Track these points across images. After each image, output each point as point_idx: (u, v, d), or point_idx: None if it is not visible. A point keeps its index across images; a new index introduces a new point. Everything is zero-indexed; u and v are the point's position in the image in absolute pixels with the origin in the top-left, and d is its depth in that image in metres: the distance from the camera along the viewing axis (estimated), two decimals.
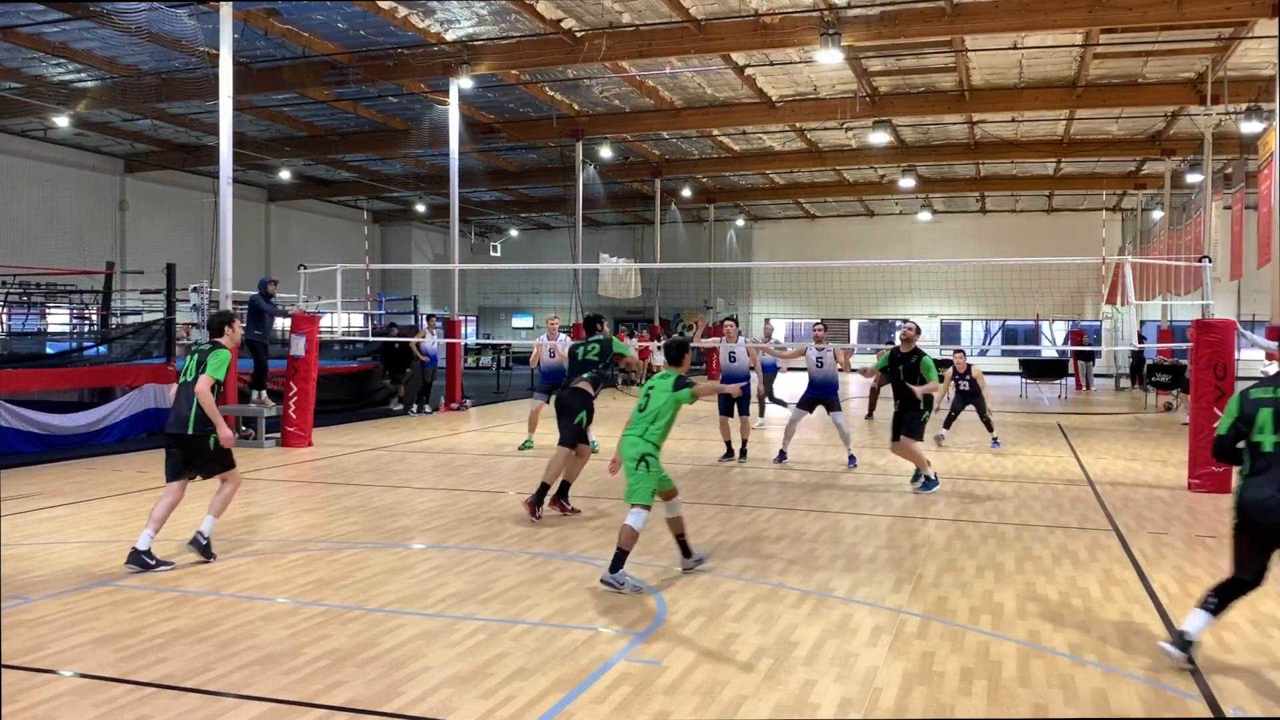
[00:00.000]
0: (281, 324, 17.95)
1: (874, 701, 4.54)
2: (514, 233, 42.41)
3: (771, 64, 19.82)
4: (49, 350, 16.99)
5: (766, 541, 7.85)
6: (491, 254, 40.17)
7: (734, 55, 18.87)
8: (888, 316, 36.16)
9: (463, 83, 18.97)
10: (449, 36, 17.94)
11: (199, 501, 8.12)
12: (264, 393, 14.18)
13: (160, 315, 15.93)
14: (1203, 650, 5.26)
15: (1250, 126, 18.96)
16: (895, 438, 10.19)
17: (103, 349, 16.50)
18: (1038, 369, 25.91)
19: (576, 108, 23.32)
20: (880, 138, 23.98)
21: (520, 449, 13.39)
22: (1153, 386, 21.47)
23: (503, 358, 29.72)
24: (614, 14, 16.76)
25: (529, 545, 7.65)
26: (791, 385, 15.02)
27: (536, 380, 14.74)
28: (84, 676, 4.76)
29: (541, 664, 4.96)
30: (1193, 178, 24.01)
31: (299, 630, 5.46)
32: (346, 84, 19.54)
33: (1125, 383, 27.89)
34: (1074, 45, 18.22)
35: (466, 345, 30.75)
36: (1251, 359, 16.05)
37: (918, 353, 10.06)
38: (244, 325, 15.10)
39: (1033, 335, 36.68)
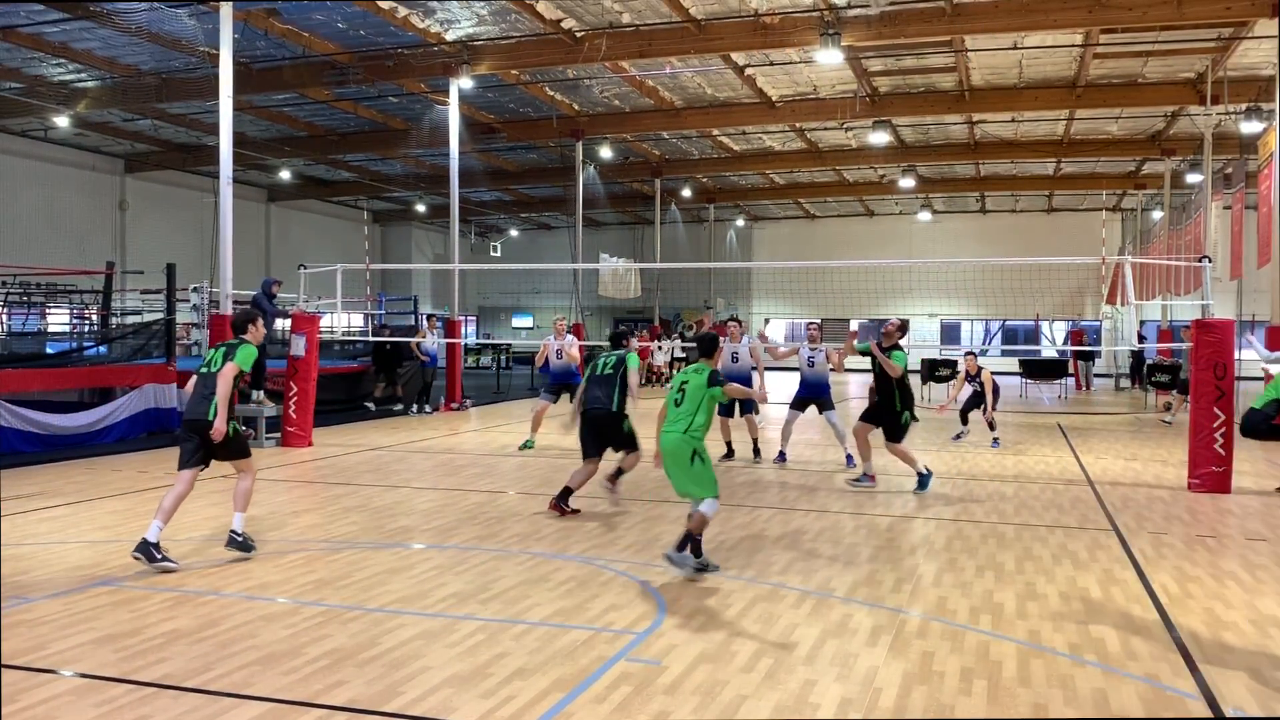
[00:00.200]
0: (281, 324, 17.95)
1: (874, 701, 4.54)
2: (514, 233, 42.42)
3: (771, 64, 19.82)
4: (49, 350, 16.98)
5: (766, 541, 7.85)
6: (491, 254, 40.18)
7: (734, 55, 18.87)
8: (888, 316, 36.08)
9: (463, 83, 18.97)
10: (449, 36, 17.95)
11: (201, 501, 8.16)
12: (263, 392, 14.19)
13: (160, 315, 15.93)
14: (1203, 650, 5.27)
15: (1250, 126, 18.96)
16: (889, 438, 10.21)
17: (103, 349, 16.49)
18: (1038, 369, 25.91)
19: (576, 108, 23.32)
20: (880, 138, 23.99)
21: (521, 449, 13.39)
22: (1153, 386, 21.48)
23: (503, 358, 29.72)
24: (614, 14, 16.76)
25: (529, 545, 7.65)
26: (782, 386, 15.03)
27: (544, 380, 14.74)
28: (84, 676, 4.76)
29: (541, 664, 4.96)
30: (1193, 178, 24.02)
31: (299, 630, 5.46)
32: (346, 84, 19.54)
33: (1125, 383, 27.89)
34: (1074, 45, 18.23)
35: (466, 345, 30.77)
36: (1251, 359, 16.00)
37: (896, 346, 10.13)
38: None
39: (1033, 335, 36.69)
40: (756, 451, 12.53)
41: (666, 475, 6.90)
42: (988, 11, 15.81)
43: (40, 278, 22.45)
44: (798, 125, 24.59)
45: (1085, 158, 27.52)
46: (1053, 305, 31.99)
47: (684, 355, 28.22)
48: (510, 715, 4.34)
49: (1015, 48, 18.36)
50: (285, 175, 30.70)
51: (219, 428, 6.82)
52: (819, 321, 13.77)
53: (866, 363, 10.35)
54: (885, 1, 15.78)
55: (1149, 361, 22.44)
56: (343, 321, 27.75)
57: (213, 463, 7.14)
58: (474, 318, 43.22)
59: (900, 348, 10.08)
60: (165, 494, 6.99)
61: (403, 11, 16.72)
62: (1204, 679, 4.85)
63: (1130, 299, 12.72)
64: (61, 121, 22.88)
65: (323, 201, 36.45)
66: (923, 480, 10.21)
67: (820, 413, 12.06)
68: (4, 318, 21.12)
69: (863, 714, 4.41)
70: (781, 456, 12.31)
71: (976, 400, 14.78)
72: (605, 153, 26.48)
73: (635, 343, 10.31)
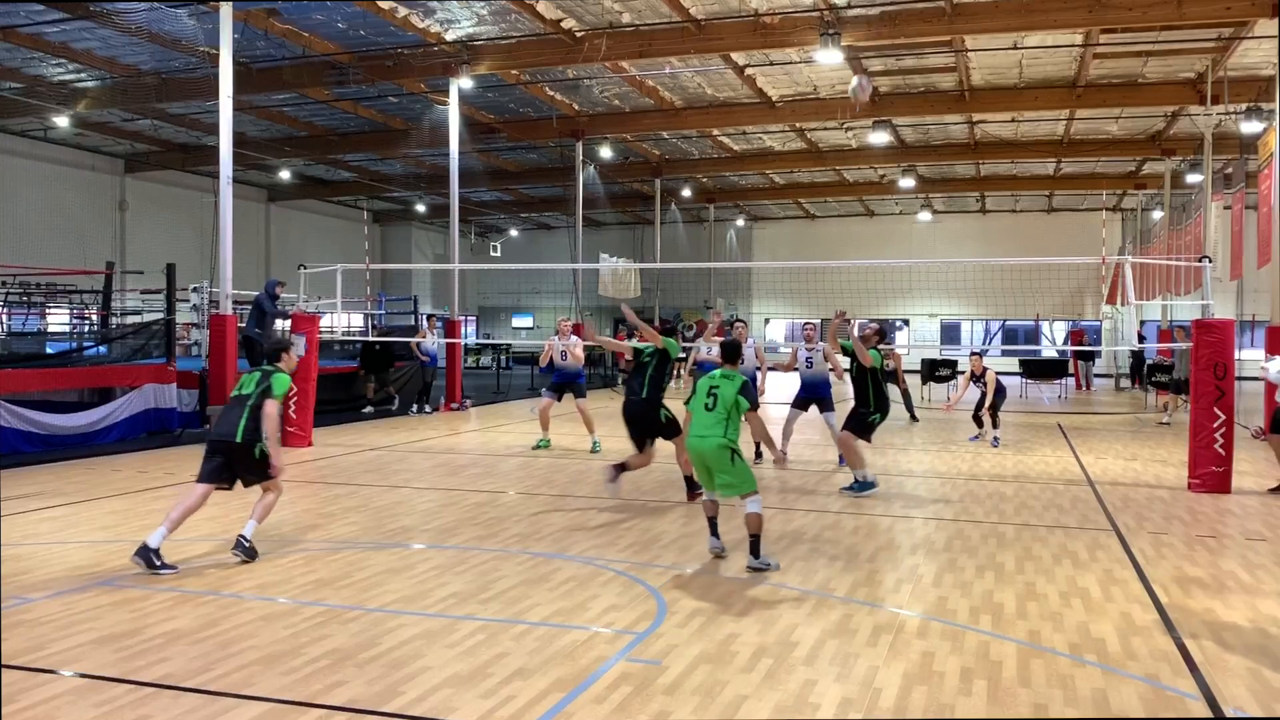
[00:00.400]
0: (281, 324, 17.96)
1: (874, 701, 4.54)
2: (514, 233, 42.41)
3: (771, 64, 19.82)
4: (49, 350, 16.98)
5: (767, 541, 7.81)
6: (491, 254, 40.16)
7: (734, 55, 18.87)
8: (888, 316, 36.14)
9: (463, 83, 18.97)
10: (449, 36, 17.94)
11: (211, 510, 8.10)
12: None
13: (160, 315, 15.93)
14: (1202, 650, 5.27)
15: (1250, 126, 18.94)
16: (844, 426, 10.29)
17: (103, 349, 16.49)
18: (1038, 369, 25.90)
19: (576, 108, 23.32)
20: (880, 138, 23.99)
21: (535, 448, 13.39)
22: (1153, 386, 21.48)
23: (503, 358, 29.71)
24: (614, 14, 16.76)
25: (529, 545, 7.65)
26: (782, 386, 15.06)
27: (545, 380, 14.75)
28: (84, 676, 4.76)
29: (541, 664, 4.96)
30: (1193, 178, 23.99)
31: (299, 630, 5.46)
32: (346, 84, 19.53)
33: (1125, 383, 27.89)
34: (1074, 45, 18.22)
35: (466, 345, 30.76)
36: (1251, 359, 16.01)
37: (874, 349, 10.21)
38: (245, 323, 15.16)
39: (1033, 335, 36.68)
40: (759, 453, 12.55)
41: (700, 478, 7.22)
42: (988, 11, 15.80)
43: (40, 278, 22.44)
44: (798, 125, 24.59)
45: (1085, 158, 27.50)
46: (1053, 305, 31.97)
47: (683, 355, 28.19)
48: (510, 715, 4.34)
49: (1015, 48, 18.35)
50: (285, 175, 30.69)
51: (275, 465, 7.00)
52: (815, 322, 13.83)
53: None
54: None
55: (1149, 361, 22.44)
56: (343, 321, 27.76)
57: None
58: (474, 318, 43.22)
59: (877, 350, 10.23)
60: (174, 503, 6.98)
61: (403, 11, 16.71)
62: (1204, 679, 4.85)
63: (1130, 299, 12.71)
64: (61, 121, 22.88)
65: (323, 201, 36.45)
66: (861, 486, 10.13)
67: (820, 412, 12.07)
68: (4, 318, 21.12)
69: (863, 714, 4.41)
70: (782, 454, 12.30)
71: (984, 400, 14.83)
72: (605, 153, 26.47)
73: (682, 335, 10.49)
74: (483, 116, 23.69)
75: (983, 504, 9.72)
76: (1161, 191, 26.84)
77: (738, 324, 13.38)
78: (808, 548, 7.65)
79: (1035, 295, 28.94)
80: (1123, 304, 25.43)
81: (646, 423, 9.19)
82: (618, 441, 14.30)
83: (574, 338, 13.70)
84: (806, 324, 12.79)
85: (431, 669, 4.87)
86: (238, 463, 7.01)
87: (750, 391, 7.07)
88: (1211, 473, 10.37)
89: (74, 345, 18.39)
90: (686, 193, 33.49)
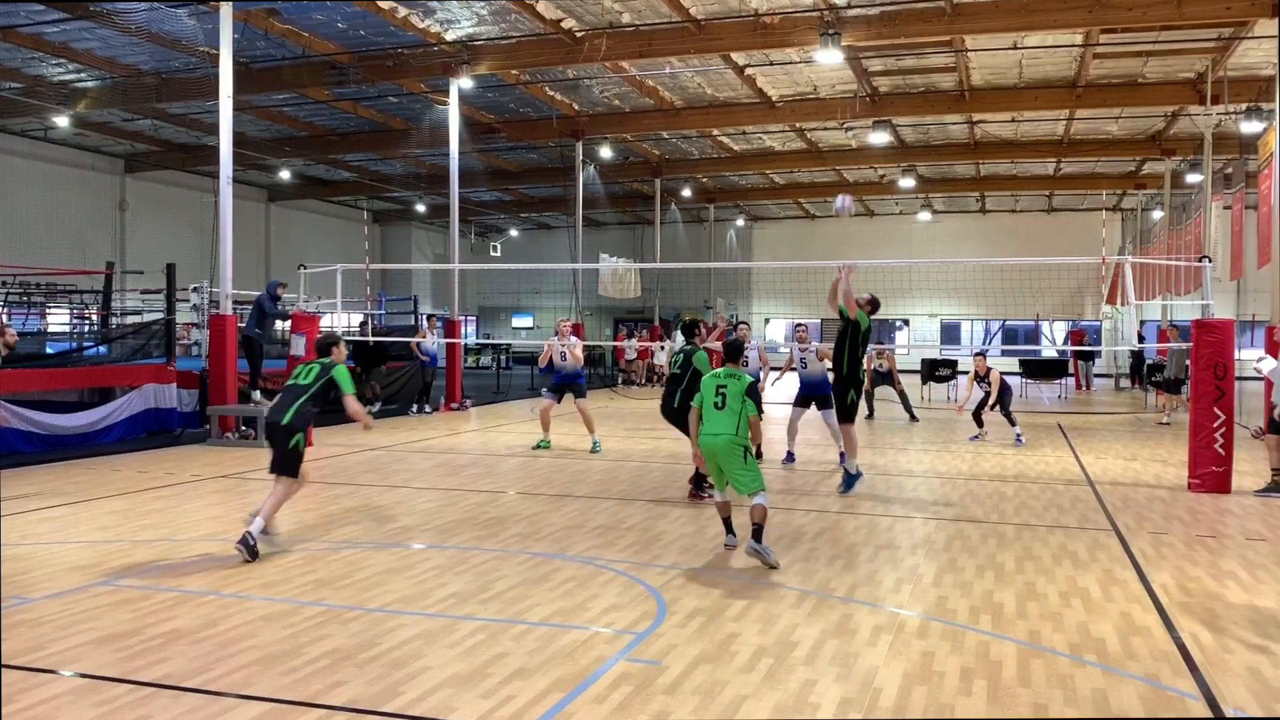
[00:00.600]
0: (281, 325, 17.97)
1: (874, 701, 4.54)
2: (514, 233, 42.41)
3: (771, 64, 19.82)
4: (49, 350, 16.98)
5: (767, 541, 7.83)
6: (491, 254, 40.16)
7: (734, 55, 18.86)
8: (888, 316, 36.14)
9: (463, 83, 18.97)
10: (449, 36, 17.94)
11: (201, 502, 8.17)
12: (259, 392, 14.19)
13: (160, 315, 15.93)
14: (1202, 650, 5.27)
15: (1250, 126, 18.94)
16: (839, 420, 10.42)
17: (103, 349, 16.50)
18: (1038, 369, 25.92)
19: (576, 108, 23.32)
20: (880, 138, 23.98)
21: (535, 449, 13.38)
22: (1153, 386, 21.49)
23: (503, 358, 29.70)
24: (614, 14, 16.76)
25: (529, 545, 7.65)
26: (782, 387, 15.09)
27: (545, 380, 14.76)
28: (84, 676, 4.76)
29: (541, 664, 4.96)
30: (1193, 178, 24.00)
31: (299, 630, 5.46)
32: (346, 84, 19.53)
33: (1125, 383, 27.90)
34: (1074, 45, 18.22)
35: (466, 345, 30.76)
36: (1251, 359, 16.01)
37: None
38: (245, 323, 15.16)
39: (1033, 335, 36.68)
40: (759, 454, 12.58)
41: (712, 474, 7.39)
42: (988, 11, 15.80)
43: (40, 278, 22.44)
44: (798, 125, 24.58)
45: (1085, 158, 27.50)
46: (1053, 305, 31.96)
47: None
48: (510, 715, 4.34)
49: (1015, 48, 18.35)
50: (285, 175, 30.68)
51: (355, 409, 7.52)
52: (805, 324, 13.96)
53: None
54: None
55: (1149, 361, 22.44)
56: (343, 321, 27.74)
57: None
58: (474, 318, 43.22)
59: (865, 314, 10.39)
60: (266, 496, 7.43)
61: (403, 11, 16.71)
62: (1204, 679, 4.85)
63: (1130, 299, 12.72)
64: (61, 121, 22.88)
65: (323, 201, 36.44)
66: (848, 481, 10.26)
67: (819, 410, 12.12)
68: (4, 318, 21.09)
69: (863, 714, 4.41)
70: (790, 457, 12.36)
71: (986, 399, 14.90)
72: (605, 153, 26.47)
73: (704, 336, 10.64)
74: (483, 116, 23.69)
75: (983, 504, 9.72)
76: (1161, 191, 26.85)
77: (741, 325, 13.48)
78: (808, 548, 7.65)
79: (1035, 295, 28.92)
80: (1123, 304, 25.46)
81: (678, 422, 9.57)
82: (618, 441, 14.33)
83: (573, 338, 13.70)
84: (798, 325, 12.91)
85: (431, 669, 4.87)
86: (274, 443, 7.29)
87: (756, 395, 7.17)
88: (1211, 473, 10.37)
89: (74, 345, 18.39)
90: (686, 193, 33.48)
